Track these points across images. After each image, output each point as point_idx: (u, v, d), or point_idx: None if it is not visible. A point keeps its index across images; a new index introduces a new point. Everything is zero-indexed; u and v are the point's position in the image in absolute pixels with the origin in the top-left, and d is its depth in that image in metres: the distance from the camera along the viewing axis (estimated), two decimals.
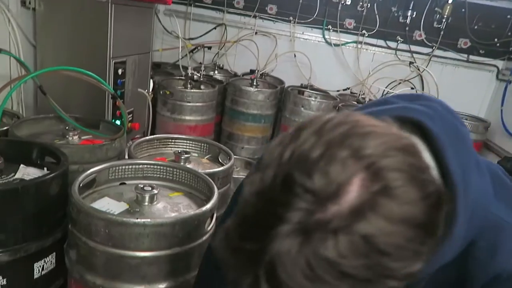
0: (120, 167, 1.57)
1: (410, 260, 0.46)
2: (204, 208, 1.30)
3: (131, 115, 2.54)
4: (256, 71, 3.67)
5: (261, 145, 3.50)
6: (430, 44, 3.76)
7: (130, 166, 1.59)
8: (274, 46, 3.86)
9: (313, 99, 3.48)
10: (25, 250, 1.32)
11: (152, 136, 2.12)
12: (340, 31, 3.83)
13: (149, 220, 1.21)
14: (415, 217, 0.45)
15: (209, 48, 3.85)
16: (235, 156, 1.92)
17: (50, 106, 1.94)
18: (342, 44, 3.86)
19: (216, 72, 3.81)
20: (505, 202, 0.64)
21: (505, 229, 0.61)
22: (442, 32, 3.69)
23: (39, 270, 1.40)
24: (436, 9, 3.65)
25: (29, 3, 2.21)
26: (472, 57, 3.77)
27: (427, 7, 3.64)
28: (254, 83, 3.50)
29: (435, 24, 3.70)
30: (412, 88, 3.74)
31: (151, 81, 2.89)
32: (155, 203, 1.40)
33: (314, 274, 0.43)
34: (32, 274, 1.39)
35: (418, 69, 3.80)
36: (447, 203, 0.57)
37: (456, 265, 0.62)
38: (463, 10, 3.62)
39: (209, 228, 1.35)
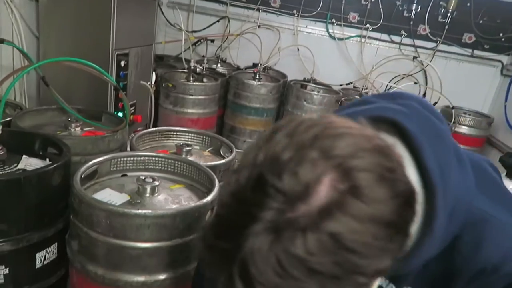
0: (122, 159, 1.58)
1: (378, 257, 0.47)
2: (205, 200, 1.30)
3: (133, 107, 2.54)
4: (259, 65, 3.67)
5: None
6: (435, 39, 3.74)
7: (132, 158, 1.60)
8: (277, 40, 3.84)
9: (316, 93, 3.46)
10: (27, 240, 1.34)
11: (154, 129, 2.13)
12: (344, 25, 3.81)
13: (150, 211, 1.21)
14: (383, 216, 0.46)
15: (212, 41, 3.84)
16: (236, 150, 1.92)
17: (52, 97, 1.94)
18: (346, 38, 3.84)
19: (218, 65, 3.81)
20: (489, 195, 0.65)
21: (489, 223, 0.62)
22: (446, 27, 3.67)
23: (41, 260, 1.42)
24: (441, 3, 3.63)
25: None
26: (476, 52, 3.74)
27: (432, 1, 3.62)
28: (257, 77, 3.50)
29: (439, 19, 3.68)
30: (415, 83, 3.72)
31: (154, 73, 2.89)
32: (156, 195, 1.40)
33: (284, 271, 0.44)
34: (34, 264, 1.40)
35: (422, 64, 3.78)
36: (428, 201, 0.58)
37: (443, 260, 0.63)
38: (468, 4, 3.59)
39: None
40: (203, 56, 3.56)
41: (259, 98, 3.35)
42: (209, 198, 1.32)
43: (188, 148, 1.83)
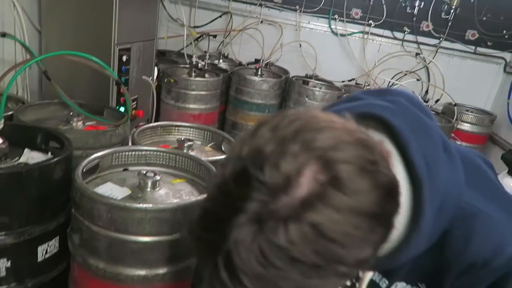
0: (124, 153, 1.58)
1: (359, 247, 0.48)
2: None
3: (135, 102, 2.54)
4: (261, 61, 3.65)
5: None
6: (437, 35, 3.72)
7: (133, 153, 1.60)
8: (280, 36, 3.82)
9: (318, 89, 3.45)
10: (29, 233, 1.34)
11: (155, 123, 2.13)
12: (347, 21, 3.79)
13: (151, 205, 1.22)
14: (364, 207, 0.47)
15: (214, 36, 3.83)
16: None
17: (54, 91, 1.94)
18: (348, 34, 3.83)
19: (220, 60, 3.80)
20: (478, 190, 0.65)
21: (479, 217, 0.62)
22: (449, 23, 3.65)
23: (42, 254, 1.42)
24: None
25: None
26: (479, 49, 3.72)
27: None
28: (259, 73, 3.48)
29: (443, 15, 3.65)
30: (418, 80, 3.71)
31: (156, 68, 2.89)
32: (157, 189, 1.41)
33: (266, 260, 0.45)
34: (35, 257, 1.41)
35: (425, 61, 3.76)
36: (415, 197, 0.59)
37: (434, 254, 0.64)
38: (471, 1, 3.57)
39: None
40: (205, 52, 3.55)
41: (261, 94, 3.35)
42: None
43: (189, 143, 1.83)
